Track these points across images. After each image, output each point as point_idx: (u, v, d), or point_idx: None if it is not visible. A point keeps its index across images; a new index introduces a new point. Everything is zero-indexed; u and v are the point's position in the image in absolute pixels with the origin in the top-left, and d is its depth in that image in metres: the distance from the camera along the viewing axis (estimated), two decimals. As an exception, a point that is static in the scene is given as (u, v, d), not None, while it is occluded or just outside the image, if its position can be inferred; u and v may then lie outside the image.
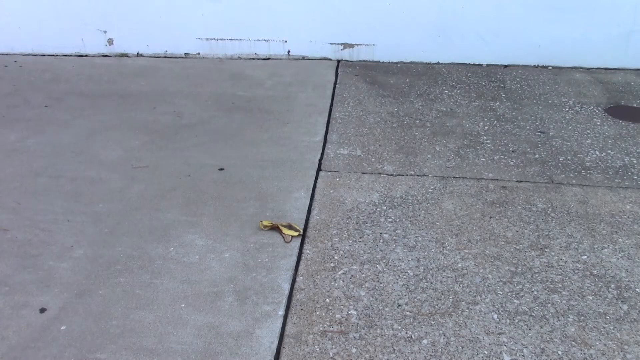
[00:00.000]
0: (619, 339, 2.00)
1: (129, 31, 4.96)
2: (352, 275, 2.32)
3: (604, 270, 2.34)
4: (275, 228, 2.60)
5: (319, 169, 3.14)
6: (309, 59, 4.95)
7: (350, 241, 2.53)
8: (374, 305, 2.17)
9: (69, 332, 2.04)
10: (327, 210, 2.76)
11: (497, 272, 2.34)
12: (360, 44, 4.86)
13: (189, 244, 2.52)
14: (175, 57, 5.02)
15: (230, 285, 2.27)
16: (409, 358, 1.93)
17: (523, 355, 1.94)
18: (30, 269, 2.37)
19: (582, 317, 2.10)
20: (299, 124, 3.69)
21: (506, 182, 3.01)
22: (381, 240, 2.54)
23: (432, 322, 2.08)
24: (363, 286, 2.26)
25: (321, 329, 2.06)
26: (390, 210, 2.76)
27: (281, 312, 2.13)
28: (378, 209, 2.77)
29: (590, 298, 2.20)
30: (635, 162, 3.21)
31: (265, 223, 2.61)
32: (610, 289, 2.24)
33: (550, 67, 4.74)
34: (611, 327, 2.05)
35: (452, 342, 2.00)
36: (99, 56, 5.06)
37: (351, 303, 2.17)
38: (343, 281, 2.29)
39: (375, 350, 1.96)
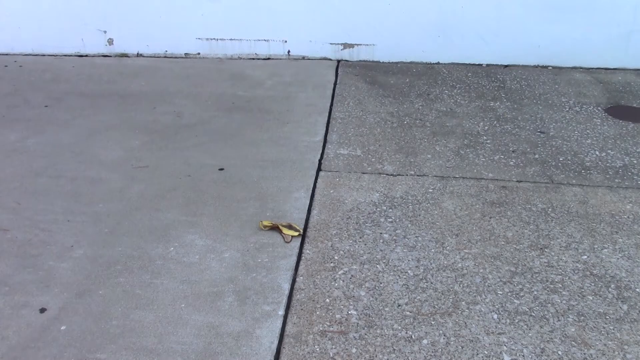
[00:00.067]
0: (619, 339, 2.00)
1: (129, 31, 4.96)
2: (352, 275, 2.32)
3: (604, 270, 2.34)
4: (275, 228, 2.60)
5: (319, 169, 3.14)
6: (309, 59, 4.95)
7: (350, 241, 2.53)
8: (374, 305, 2.17)
9: (69, 332, 2.05)
10: (327, 210, 2.76)
11: (497, 272, 2.34)
12: (360, 44, 4.86)
13: (189, 244, 2.52)
14: (175, 57, 5.02)
15: (230, 285, 2.27)
16: (409, 358, 1.93)
17: (523, 355, 1.94)
18: (30, 269, 2.37)
19: (582, 317, 2.10)
20: (299, 124, 3.69)
21: (506, 182, 3.01)
22: (381, 240, 2.54)
23: (432, 322, 2.08)
24: (363, 286, 2.26)
25: (321, 329, 2.06)
26: (390, 210, 2.76)
27: (281, 312, 2.13)
28: (378, 209, 2.77)
29: (590, 298, 2.20)
30: (635, 162, 3.21)
31: (265, 223, 2.61)
32: (610, 289, 2.24)
33: (550, 67, 4.74)
34: (611, 327, 2.05)
35: (452, 342, 2.00)
36: (99, 56, 5.06)
37: (351, 303, 2.17)
38: (343, 281, 2.29)
39: (375, 350, 1.96)
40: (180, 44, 4.98)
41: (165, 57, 5.03)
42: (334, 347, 1.98)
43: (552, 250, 2.47)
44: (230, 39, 4.93)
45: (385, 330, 2.05)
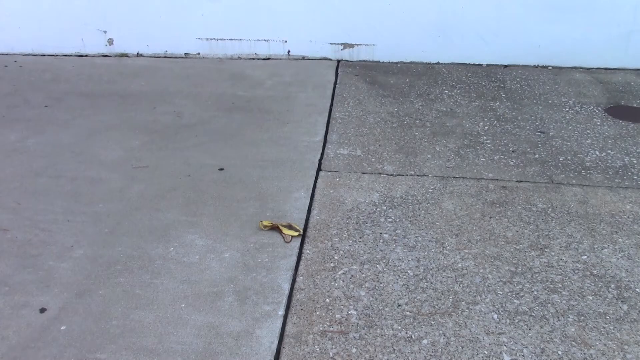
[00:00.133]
0: (619, 339, 2.00)
1: (129, 31, 4.96)
2: (352, 275, 2.32)
3: (604, 270, 2.34)
4: (275, 228, 2.60)
5: (319, 169, 3.14)
6: (309, 59, 4.95)
7: (350, 241, 2.53)
8: (374, 305, 2.17)
9: (69, 332, 2.04)
10: (327, 210, 2.76)
11: (497, 272, 2.34)
12: (360, 44, 4.86)
13: (189, 244, 2.52)
14: (175, 57, 5.02)
15: (230, 285, 2.27)
16: (409, 358, 1.93)
17: (523, 355, 1.94)
18: (30, 269, 2.37)
19: (582, 317, 2.10)
20: (299, 124, 3.69)
21: (506, 182, 3.01)
22: (381, 240, 2.54)
23: (432, 322, 2.08)
24: (363, 286, 2.26)
25: (321, 329, 2.06)
26: (390, 210, 2.76)
27: (281, 312, 2.13)
28: (378, 209, 2.77)
29: (590, 298, 2.20)
30: (635, 162, 3.21)
31: (265, 223, 2.61)
32: (610, 289, 2.24)
33: (550, 67, 4.74)
34: (611, 327, 2.05)
35: (452, 342, 2.00)
36: (99, 56, 5.06)
37: (351, 303, 2.17)
38: (343, 281, 2.29)
39: (375, 350, 1.96)
40: (180, 44, 4.98)
41: (165, 57, 5.03)
42: (334, 347, 1.98)
43: (552, 250, 2.47)
44: (230, 39, 4.94)
45: (385, 330, 2.05)
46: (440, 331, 2.04)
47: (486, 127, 3.65)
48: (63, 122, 3.75)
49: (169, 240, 2.55)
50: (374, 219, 2.69)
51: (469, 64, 4.82)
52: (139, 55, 5.06)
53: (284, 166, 3.16)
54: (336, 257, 2.43)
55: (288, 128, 3.64)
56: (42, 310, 2.14)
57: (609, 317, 2.10)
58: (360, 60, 4.91)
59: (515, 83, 4.40)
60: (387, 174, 3.09)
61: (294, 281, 2.29)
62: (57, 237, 2.57)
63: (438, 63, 4.86)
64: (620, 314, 2.11)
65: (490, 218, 2.70)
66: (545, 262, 2.39)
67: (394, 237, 2.56)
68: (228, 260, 2.42)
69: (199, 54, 5.02)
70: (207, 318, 2.11)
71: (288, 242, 2.52)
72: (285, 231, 2.56)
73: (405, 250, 2.47)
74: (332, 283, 2.28)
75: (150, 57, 5.04)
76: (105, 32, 4.98)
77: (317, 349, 1.97)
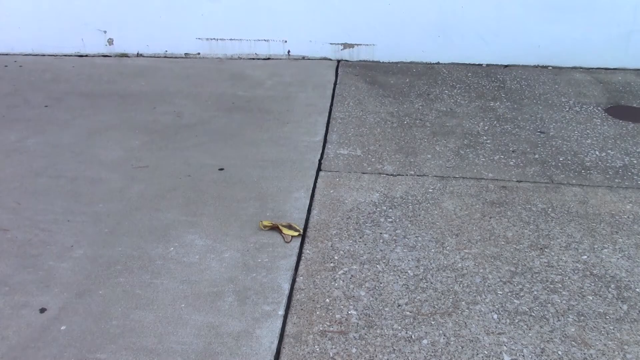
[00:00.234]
0: (619, 339, 2.00)
1: (129, 31, 4.96)
2: (352, 275, 2.32)
3: (604, 270, 2.34)
4: (275, 228, 2.60)
5: (319, 169, 3.14)
6: (309, 59, 4.95)
7: (350, 241, 2.53)
8: (374, 305, 2.17)
9: (69, 332, 2.05)
10: (327, 210, 2.76)
11: (497, 272, 2.34)
12: (360, 44, 4.86)
13: (189, 244, 2.52)
14: (175, 57, 5.02)
15: (230, 285, 2.27)
16: (409, 358, 1.93)
17: (523, 355, 1.94)
18: (30, 269, 2.37)
19: (582, 317, 2.10)
20: (299, 124, 3.69)
21: (506, 182, 3.01)
22: (381, 240, 2.54)
23: (432, 322, 2.08)
24: (363, 286, 2.26)
25: (321, 329, 2.06)
26: (390, 210, 2.76)
27: (281, 312, 2.13)
28: (378, 209, 2.77)
29: (590, 298, 2.20)
30: (635, 162, 3.21)
31: (265, 223, 2.61)
32: (610, 289, 2.24)
33: (550, 67, 4.74)
34: (611, 327, 2.05)
35: (452, 342, 2.00)
36: (99, 56, 5.06)
37: (351, 303, 2.17)
38: (343, 281, 2.29)
39: (375, 350, 1.96)
40: (180, 44, 4.98)
41: (165, 57, 5.03)
42: (334, 347, 1.98)
43: (552, 250, 2.47)
44: (230, 39, 4.94)
45: (385, 330, 2.05)
46: (440, 331, 2.04)
47: (486, 127, 3.65)
48: (63, 122, 3.75)
49: (169, 240, 2.55)
50: (374, 219, 2.69)
51: (469, 64, 4.82)
52: (139, 55, 5.06)
53: (284, 166, 3.16)
54: (336, 257, 2.43)
55: (288, 128, 3.64)
56: (42, 310, 2.14)
57: (609, 317, 2.10)
58: (360, 60, 4.91)
59: (515, 83, 4.40)
60: (387, 174, 3.09)
61: (294, 281, 2.29)
62: (57, 237, 2.57)
63: (438, 63, 4.86)
64: (620, 314, 2.11)
65: (490, 218, 2.70)
66: (545, 262, 2.39)
67: (394, 237, 2.56)
68: (228, 260, 2.42)
69: (199, 54, 5.02)
70: (207, 318, 2.11)
71: (288, 242, 2.52)
72: (285, 231, 2.56)
73: (405, 250, 2.47)
74: (332, 283, 2.28)
75: (150, 57, 5.04)
76: (105, 32, 4.98)
77: (317, 349, 1.97)
